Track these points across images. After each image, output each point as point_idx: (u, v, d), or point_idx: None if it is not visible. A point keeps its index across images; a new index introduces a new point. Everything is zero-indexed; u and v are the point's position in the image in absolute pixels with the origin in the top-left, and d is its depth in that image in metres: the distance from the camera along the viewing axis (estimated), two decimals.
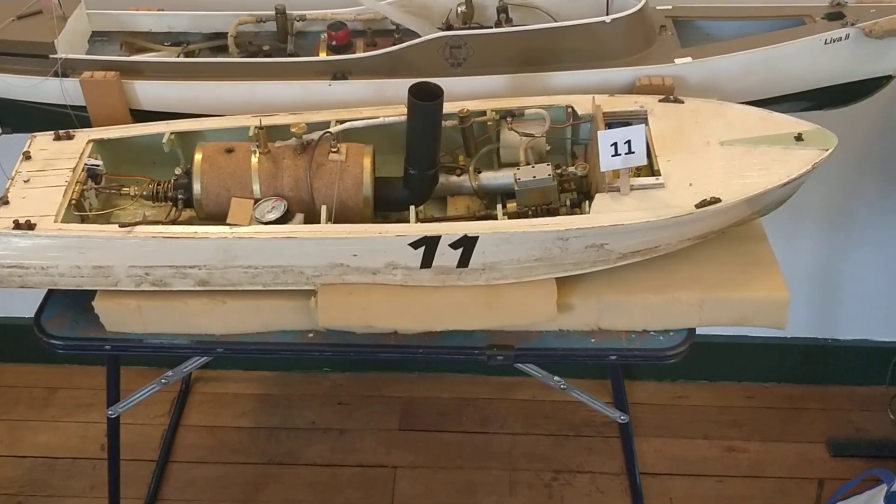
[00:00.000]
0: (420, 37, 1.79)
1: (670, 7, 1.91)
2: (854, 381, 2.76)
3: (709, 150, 1.59)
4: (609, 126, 1.65)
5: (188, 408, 2.72)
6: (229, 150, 1.61)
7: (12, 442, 2.62)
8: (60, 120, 1.83)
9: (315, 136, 1.60)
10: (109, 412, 1.87)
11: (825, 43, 1.77)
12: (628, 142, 1.47)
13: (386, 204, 1.65)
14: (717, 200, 1.49)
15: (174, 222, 1.56)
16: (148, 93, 1.79)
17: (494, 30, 1.79)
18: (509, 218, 1.59)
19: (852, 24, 1.76)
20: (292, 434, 2.63)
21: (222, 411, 2.71)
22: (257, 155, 1.59)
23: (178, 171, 1.62)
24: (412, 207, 1.60)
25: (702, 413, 2.69)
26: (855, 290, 2.63)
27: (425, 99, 1.52)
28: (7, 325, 2.76)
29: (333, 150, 1.60)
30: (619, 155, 1.48)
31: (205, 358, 1.71)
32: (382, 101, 1.77)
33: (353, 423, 2.65)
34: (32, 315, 1.69)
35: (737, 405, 2.72)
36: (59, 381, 2.79)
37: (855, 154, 2.32)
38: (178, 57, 1.91)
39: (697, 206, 1.49)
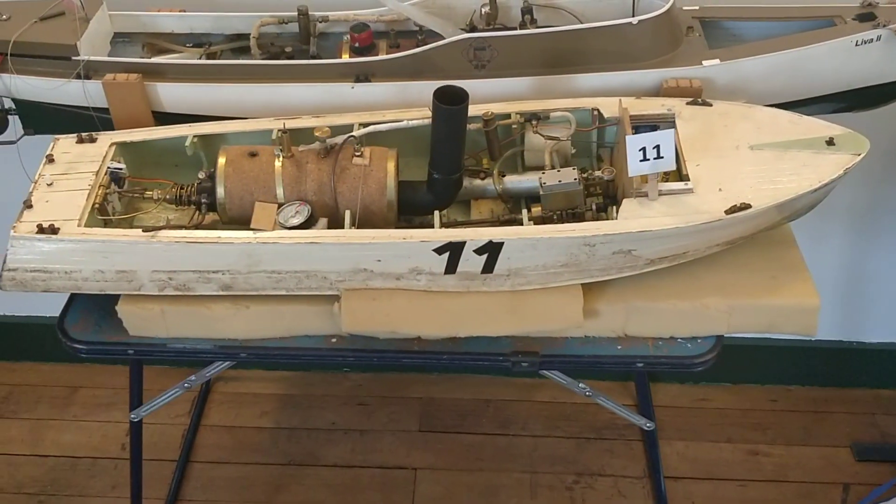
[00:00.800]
0: (443, 38, 1.78)
1: (697, 7, 1.89)
2: (879, 384, 2.72)
3: (738, 154, 1.57)
4: (636, 129, 1.63)
5: (209, 407, 2.72)
6: (253, 154, 1.60)
7: (34, 441, 2.63)
8: (83, 121, 1.83)
9: (339, 139, 1.59)
10: (132, 416, 1.87)
11: (856, 44, 1.74)
12: (657, 146, 1.45)
13: (410, 208, 1.64)
14: (748, 206, 1.47)
15: (198, 226, 1.55)
16: (170, 95, 1.78)
17: (519, 31, 1.77)
18: (535, 222, 1.58)
19: (884, 26, 1.73)
20: (313, 434, 2.62)
21: (242, 411, 2.71)
22: (281, 159, 1.58)
23: (201, 174, 1.61)
24: (436, 212, 1.58)
25: (725, 416, 2.67)
26: (881, 292, 2.60)
27: (450, 103, 1.51)
28: (29, 323, 2.77)
29: (357, 153, 1.59)
30: (648, 160, 1.46)
31: (228, 362, 1.70)
32: (406, 103, 1.75)
33: (373, 424, 2.64)
34: (53, 314, 1.69)
35: (760, 408, 2.69)
36: (81, 380, 2.80)
37: (882, 155, 2.28)
38: (200, 58, 1.90)
39: (727, 212, 1.47)
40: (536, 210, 1.60)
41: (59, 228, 1.51)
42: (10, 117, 1.90)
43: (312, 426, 2.65)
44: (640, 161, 1.46)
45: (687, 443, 2.58)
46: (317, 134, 1.57)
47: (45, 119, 1.88)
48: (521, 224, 1.58)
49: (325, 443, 2.59)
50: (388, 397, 2.72)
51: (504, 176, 1.69)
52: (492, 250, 1.50)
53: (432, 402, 2.71)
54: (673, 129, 1.45)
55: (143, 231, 1.51)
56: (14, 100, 1.86)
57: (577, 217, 1.58)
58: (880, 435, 2.60)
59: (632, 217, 1.48)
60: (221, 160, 1.59)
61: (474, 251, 1.51)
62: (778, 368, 2.72)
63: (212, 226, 1.59)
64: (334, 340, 1.62)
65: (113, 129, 1.82)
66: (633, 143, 1.45)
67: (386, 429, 2.63)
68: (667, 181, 1.53)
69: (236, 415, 2.70)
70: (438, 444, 2.59)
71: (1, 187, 2.07)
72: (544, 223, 1.58)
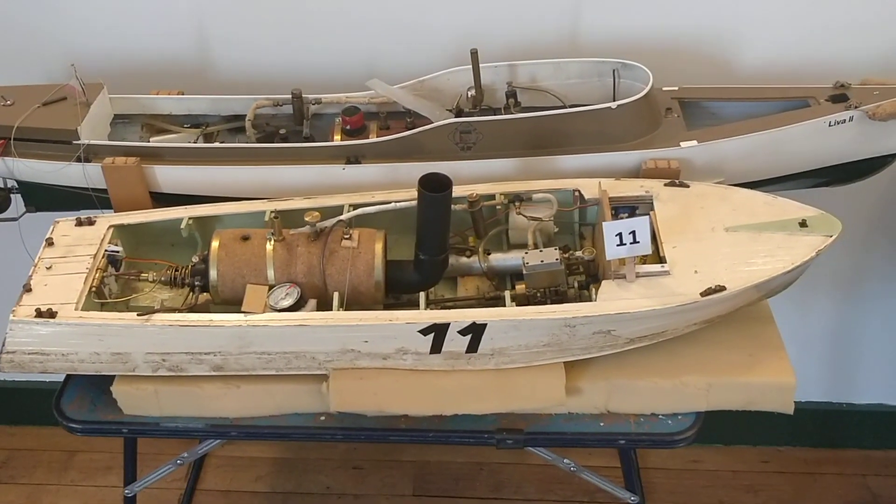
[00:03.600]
0: (431, 121, 1.84)
1: (677, 88, 1.95)
2: (870, 445, 2.75)
3: (714, 235, 1.61)
4: (615, 210, 1.69)
5: (204, 471, 2.75)
6: (245, 238, 1.65)
7: None
8: (83, 199, 1.89)
9: (328, 223, 1.65)
10: (126, 491, 1.90)
11: (829, 125, 1.80)
12: (633, 232, 1.49)
13: (397, 287, 1.68)
14: (723, 288, 1.51)
15: (191, 309, 1.60)
16: (167, 177, 1.84)
17: (503, 116, 1.83)
18: (518, 300, 1.62)
19: (856, 107, 1.79)
20: (307, 499, 2.64)
21: (238, 475, 2.73)
22: (272, 242, 1.64)
23: (195, 258, 1.67)
24: (422, 294, 1.63)
25: (716, 478, 2.69)
26: (869, 355, 2.63)
27: (435, 189, 1.56)
28: (27, 388, 2.81)
29: (346, 236, 1.64)
30: (625, 245, 1.50)
31: (219, 440, 1.74)
32: (395, 184, 1.81)
33: (367, 488, 2.66)
34: (51, 380, 1.73)
35: (752, 469, 2.71)
36: (79, 444, 2.82)
37: (863, 223, 2.33)
38: (197, 138, 1.97)
39: (703, 294, 1.51)
40: (521, 287, 1.65)
41: (56, 312, 1.56)
42: (11, 196, 1.97)
43: (307, 490, 2.67)
44: (617, 246, 1.51)
45: None
46: (307, 219, 1.62)
47: (46, 197, 1.94)
48: (504, 303, 1.63)
49: None
50: (383, 461, 2.75)
51: (489, 254, 1.73)
52: (475, 331, 1.55)
53: (426, 465, 2.74)
54: (648, 217, 1.50)
55: (137, 315, 1.56)
56: (17, 180, 1.92)
57: (559, 294, 1.62)
58: (871, 497, 2.61)
59: (610, 299, 1.53)
60: (215, 244, 1.64)
61: (458, 332, 1.55)
62: (769, 429, 2.74)
63: (205, 307, 1.64)
64: (323, 418, 1.65)
65: (111, 208, 1.88)
66: (610, 229, 1.50)
67: (380, 493, 2.65)
68: (644, 263, 1.57)
69: (232, 479, 2.72)
70: None
71: (2, 262, 2.14)
72: (528, 301, 1.62)
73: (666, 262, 1.56)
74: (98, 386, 1.67)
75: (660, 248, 1.59)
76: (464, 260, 1.74)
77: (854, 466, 2.70)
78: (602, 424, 1.63)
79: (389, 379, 1.60)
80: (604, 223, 1.51)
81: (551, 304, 1.61)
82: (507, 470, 2.71)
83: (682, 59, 2.08)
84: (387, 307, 1.68)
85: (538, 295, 1.63)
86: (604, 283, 1.55)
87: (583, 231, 1.81)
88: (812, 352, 2.61)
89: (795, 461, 2.72)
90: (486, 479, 2.68)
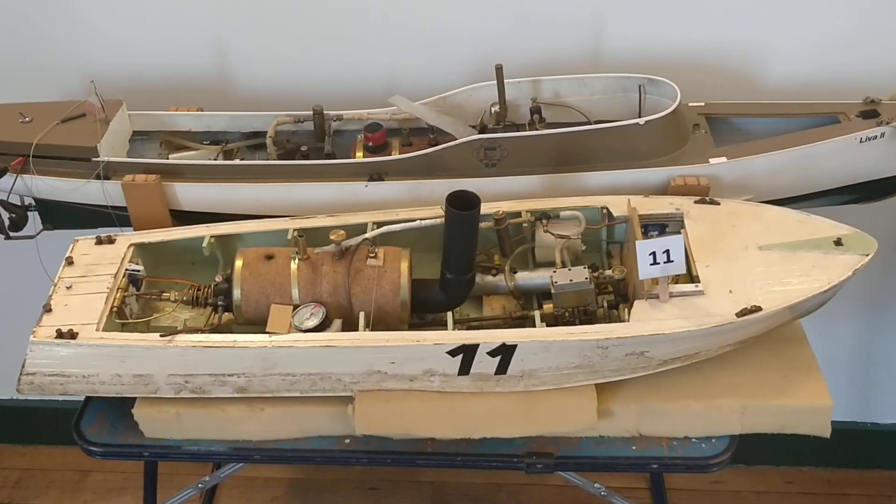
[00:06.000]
0: (454, 138, 1.81)
1: (703, 104, 1.92)
2: (894, 465, 2.70)
3: (747, 254, 1.58)
4: (645, 228, 1.66)
5: (219, 492, 2.71)
6: (269, 257, 1.62)
7: None
8: (101, 217, 1.87)
9: (353, 241, 1.62)
10: None
11: (860, 141, 1.77)
12: (667, 251, 1.46)
13: (423, 307, 1.65)
14: (758, 309, 1.48)
15: (214, 329, 1.57)
16: (188, 194, 1.82)
17: (529, 132, 1.81)
18: (546, 320, 1.59)
19: (887, 123, 1.76)
20: None
21: (254, 496, 2.69)
22: (296, 261, 1.61)
23: (218, 277, 1.64)
24: (450, 314, 1.60)
25: (740, 499, 2.64)
26: (894, 373, 2.59)
27: (462, 206, 1.53)
28: (40, 407, 2.77)
29: (371, 255, 1.61)
30: (658, 263, 1.47)
31: (242, 464, 1.71)
32: (418, 201, 1.78)
33: None
34: (65, 399, 1.69)
35: (775, 490, 2.67)
36: (92, 464, 2.77)
37: (891, 241, 2.29)
38: (217, 155, 1.94)
39: (738, 315, 1.48)
40: (548, 307, 1.62)
41: (77, 333, 1.53)
42: (29, 213, 1.94)
43: None
44: (651, 265, 1.48)
45: None
46: (332, 237, 1.59)
47: (64, 215, 1.92)
48: (533, 323, 1.59)
49: None
50: (400, 481, 2.71)
51: (515, 273, 1.71)
52: (505, 352, 1.52)
53: (444, 486, 2.70)
54: (682, 237, 1.47)
55: (160, 336, 1.53)
56: (34, 198, 1.90)
57: (588, 314, 1.59)
58: None
59: (643, 319, 1.49)
60: (238, 263, 1.61)
61: (487, 353, 1.52)
62: (793, 450, 2.70)
63: (227, 327, 1.61)
64: (347, 441, 1.62)
65: (130, 226, 1.86)
66: (644, 248, 1.47)
67: None
68: (677, 283, 1.54)
69: (248, 500, 2.69)
70: None
71: (20, 281, 2.11)
72: (556, 321, 1.59)
73: (699, 282, 1.53)
74: (118, 408, 1.64)
75: (693, 268, 1.56)
76: (489, 279, 1.71)
77: (879, 487, 2.66)
78: (634, 448, 1.59)
79: (416, 401, 1.57)
80: (637, 242, 1.47)
81: (580, 324, 1.58)
82: (526, 491, 2.66)
83: (706, 74, 2.06)
84: (411, 327, 1.65)
85: (566, 315, 1.60)
86: (636, 303, 1.52)
87: (610, 249, 1.78)
88: (836, 371, 2.56)
89: (819, 482, 2.68)
90: (506, 500, 2.64)
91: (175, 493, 1.85)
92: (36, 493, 2.72)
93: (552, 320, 1.60)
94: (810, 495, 2.64)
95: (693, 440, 1.60)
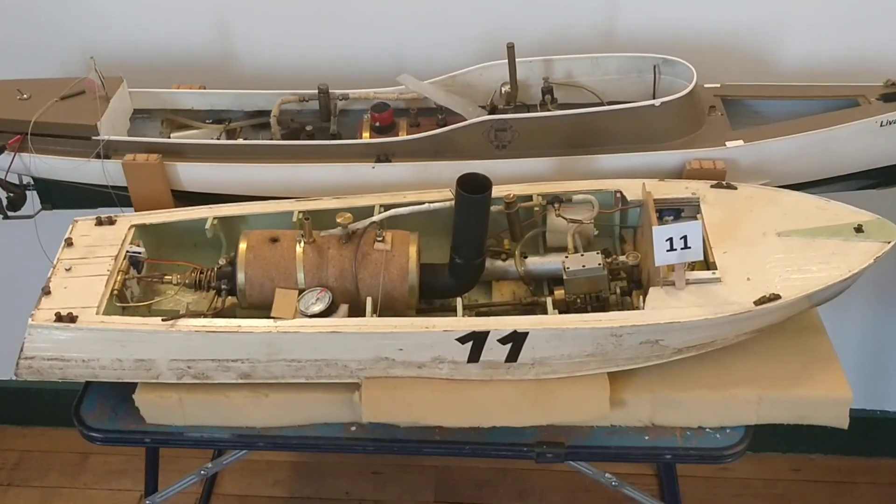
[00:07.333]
0: (464, 118, 1.77)
1: (718, 85, 1.87)
2: None
3: (766, 241, 1.54)
4: (660, 213, 1.61)
5: (221, 475, 2.68)
6: (274, 240, 1.58)
7: None
8: (101, 197, 1.83)
9: (360, 224, 1.57)
10: (147, 502, 1.84)
11: (881, 125, 1.72)
12: (684, 237, 1.42)
13: (431, 292, 1.61)
14: (777, 297, 1.44)
15: (217, 314, 1.53)
16: (190, 174, 1.78)
17: (541, 113, 1.76)
18: (557, 306, 1.55)
19: None
20: None
21: (255, 480, 2.66)
22: (302, 245, 1.57)
23: (221, 261, 1.60)
24: (459, 300, 1.56)
25: (747, 486, 2.61)
26: None
27: (473, 190, 1.49)
28: (39, 388, 2.74)
29: (379, 238, 1.57)
30: (675, 250, 1.43)
31: (245, 451, 1.67)
32: (426, 183, 1.74)
33: (387, 494, 2.60)
34: (63, 379, 1.65)
35: (783, 478, 2.64)
36: (93, 446, 2.71)
37: None
38: (220, 135, 1.90)
39: (756, 303, 1.44)
40: (559, 294, 1.58)
41: (77, 317, 1.49)
42: (28, 192, 1.90)
43: (326, 496, 2.61)
44: (667, 251, 1.43)
45: None
46: (339, 220, 1.55)
47: (63, 195, 1.88)
48: (544, 309, 1.55)
49: None
50: (404, 465, 2.68)
51: (526, 258, 1.67)
52: (516, 340, 1.48)
53: (448, 471, 2.67)
54: (701, 223, 1.42)
55: (162, 320, 1.49)
56: (32, 177, 1.86)
57: (600, 301, 1.56)
58: None
59: (659, 307, 1.45)
60: (242, 245, 1.57)
61: (498, 340, 1.48)
62: (800, 437, 2.66)
63: (231, 311, 1.57)
64: (353, 428, 1.58)
65: (131, 206, 1.82)
66: (661, 233, 1.42)
67: (401, 499, 2.59)
68: (693, 269, 1.50)
69: (249, 484, 2.66)
70: None
71: (18, 262, 2.07)
72: (567, 308, 1.56)
73: (716, 269, 1.49)
74: (119, 393, 1.61)
75: (709, 254, 1.52)
76: (499, 263, 1.67)
77: (889, 475, 2.63)
78: (647, 438, 1.55)
79: (425, 389, 1.53)
80: (654, 228, 1.43)
81: (592, 310, 1.55)
82: (531, 476, 2.64)
83: (721, 55, 2.00)
84: (419, 312, 1.61)
85: (578, 301, 1.56)
86: (651, 290, 1.48)
87: (623, 234, 1.73)
88: (845, 357, 2.48)
89: (828, 470, 2.65)
90: (511, 485, 2.62)
91: (177, 477, 1.82)
92: (35, 476, 2.70)
93: (563, 307, 1.56)
94: (819, 483, 2.61)
95: (707, 430, 1.57)
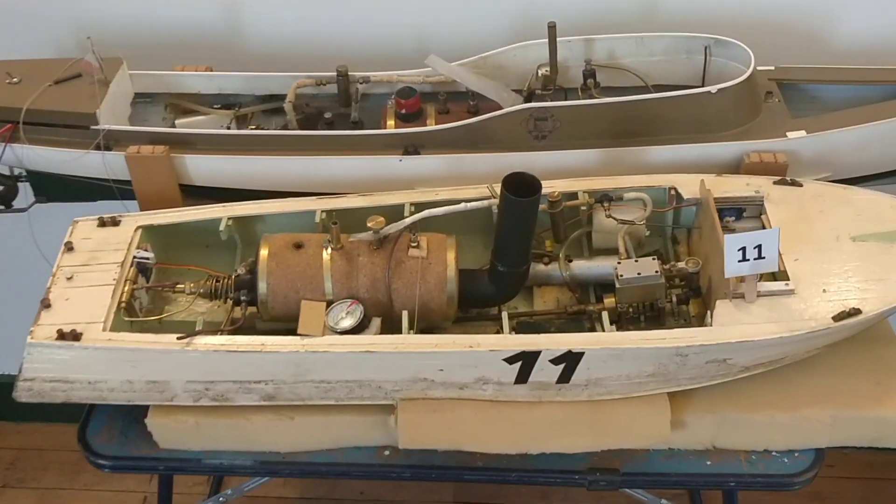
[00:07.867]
0: (497, 104, 1.62)
1: (773, 68, 1.73)
2: None
3: (839, 246, 1.41)
4: (721, 213, 1.47)
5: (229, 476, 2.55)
6: (298, 246, 1.43)
7: None
8: (100, 190, 1.68)
9: (393, 228, 1.42)
10: None
11: None
12: (758, 246, 1.28)
13: (469, 301, 1.48)
14: (858, 312, 1.31)
15: (236, 329, 1.38)
16: (200, 167, 1.63)
17: (584, 101, 1.61)
18: (608, 316, 1.41)
19: None
20: None
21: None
22: (329, 251, 1.42)
23: (240, 269, 1.44)
24: (505, 314, 1.42)
25: None
26: None
27: (520, 192, 1.34)
28: None
29: (413, 244, 1.43)
30: (748, 260, 1.30)
31: (268, 478, 1.54)
32: (458, 177, 1.60)
33: (404, 495, 2.48)
34: None
35: (818, 474, 2.53)
36: None
37: None
38: (230, 122, 1.74)
39: (835, 319, 1.31)
40: (610, 302, 1.44)
41: (81, 334, 1.34)
42: (19, 184, 1.74)
43: (339, 496, 2.49)
44: (739, 261, 1.30)
45: None
46: (369, 224, 1.40)
47: (59, 187, 1.73)
48: (593, 320, 1.43)
49: None
50: None
51: (571, 261, 1.53)
52: (570, 360, 1.34)
53: None
54: (778, 230, 1.28)
55: (177, 338, 1.34)
56: (25, 169, 1.70)
57: (655, 310, 1.43)
58: None
59: (728, 323, 1.32)
60: (264, 252, 1.42)
61: (550, 361, 1.34)
62: None
63: (250, 323, 1.42)
64: (387, 453, 1.45)
65: (134, 200, 1.66)
66: (733, 242, 1.29)
67: (418, 500, 2.47)
68: (762, 278, 1.36)
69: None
70: None
71: (10, 259, 1.93)
72: (619, 317, 1.43)
73: (789, 280, 1.35)
74: (129, 414, 1.47)
75: (780, 262, 1.38)
76: (541, 267, 1.54)
77: None
78: (709, 463, 1.43)
79: (467, 411, 1.40)
80: (726, 237, 1.29)
81: (646, 320, 1.42)
82: None
83: (771, 33, 1.86)
84: (455, 321, 1.47)
85: (630, 310, 1.43)
86: (719, 303, 1.34)
87: (675, 234, 1.59)
88: None
89: (862, 465, 2.54)
90: (532, 487, 2.49)
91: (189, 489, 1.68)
92: (32, 475, 2.56)
93: (614, 316, 1.43)
94: (854, 479, 2.51)
95: (774, 453, 1.44)
